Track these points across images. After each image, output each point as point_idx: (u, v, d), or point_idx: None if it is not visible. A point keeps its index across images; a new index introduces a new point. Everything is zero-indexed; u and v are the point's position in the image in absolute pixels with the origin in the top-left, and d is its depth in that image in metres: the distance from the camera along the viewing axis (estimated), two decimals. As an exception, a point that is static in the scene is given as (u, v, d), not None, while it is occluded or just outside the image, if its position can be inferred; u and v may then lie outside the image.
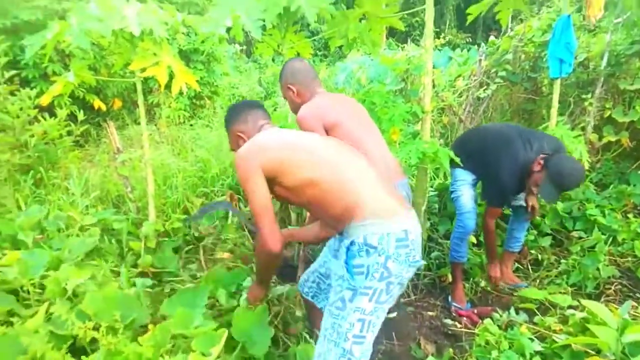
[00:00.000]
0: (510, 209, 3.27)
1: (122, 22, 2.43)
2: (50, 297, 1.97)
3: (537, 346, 2.18)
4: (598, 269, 3.10)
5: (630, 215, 3.69)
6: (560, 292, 2.94)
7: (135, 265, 2.74)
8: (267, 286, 2.15)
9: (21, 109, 3.94)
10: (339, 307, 1.64)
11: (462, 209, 3.00)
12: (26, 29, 5.02)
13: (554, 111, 3.64)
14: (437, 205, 3.82)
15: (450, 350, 2.56)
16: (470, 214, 2.99)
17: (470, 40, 16.79)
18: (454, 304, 3.02)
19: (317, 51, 14.56)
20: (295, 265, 2.98)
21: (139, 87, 2.89)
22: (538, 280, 3.30)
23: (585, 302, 2.18)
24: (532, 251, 3.55)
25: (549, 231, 3.67)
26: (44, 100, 2.81)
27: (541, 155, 2.71)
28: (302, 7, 2.38)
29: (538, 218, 3.61)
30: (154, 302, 2.29)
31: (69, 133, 4.43)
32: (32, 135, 3.95)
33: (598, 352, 1.96)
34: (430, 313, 3.00)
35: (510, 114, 5.28)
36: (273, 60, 11.24)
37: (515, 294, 3.07)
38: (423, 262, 1.75)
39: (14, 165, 3.79)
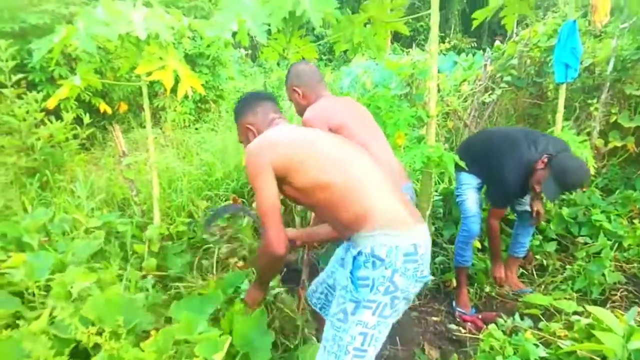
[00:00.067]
0: (515, 214, 3.26)
1: (129, 26, 2.44)
2: (55, 300, 1.97)
3: (542, 352, 2.16)
4: (604, 275, 3.08)
5: (636, 221, 3.67)
6: (565, 298, 2.93)
7: (139, 269, 2.74)
8: (267, 288, 2.08)
9: (28, 112, 3.97)
10: (340, 319, 1.59)
11: (467, 212, 3.00)
12: (34, 33, 5.05)
13: (560, 116, 3.62)
14: (441, 210, 3.82)
15: (455, 355, 2.55)
16: (475, 218, 2.98)
17: (476, 44, 16.77)
18: (459, 309, 3.01)
19: (322, 55, 14.59)
20: (299, 269, 2.98)
21: (145, 90, 2.91)
22: (543, 286, 3.28)
23: (590, 308, 2.17)
24: (537, 256, 3.54)
25: (554, 236, 3.65)
26: (51, 104, 2.83)
27: (545, 155, 2.71)
28: (308, 12, 2.38)
29: (543, 223, 3.59)
30: (156, 307, 2.29)
31: (75, 136, 4.45)
32: (39, 139, 3.98)
33: (603, 358, 1.95)
34: (434, 318, 2.99)
35: (515, 118, 5.27)
36: (278, 64, 11.27)
37: (520, 299, 3.05)
38: (431, 278, 1.70)
39: (21, 168, 3.82)
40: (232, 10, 2.41)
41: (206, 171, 4.41)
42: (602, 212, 3.68)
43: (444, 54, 8.96)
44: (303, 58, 3.07)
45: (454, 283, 3.15)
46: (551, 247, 3.56)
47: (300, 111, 2.41)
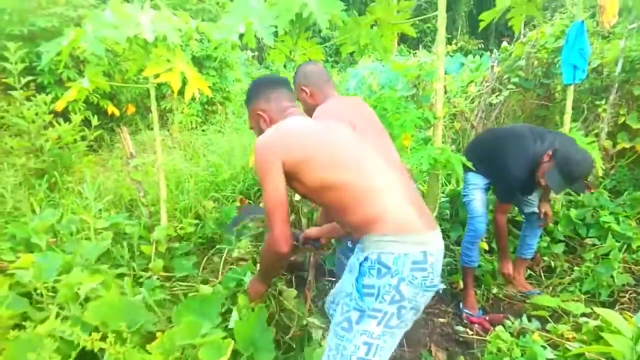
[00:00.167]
0: (523, 216, 3.25)
1: (137, 29, 2.46)
2: (63, 301, 1.98)
3: (550, 354, 2.15)
4: (612, 277, 3.06)
5: (644, 223, 3.65)
6: (573, 300, 2.91)
7: (146, 270, 2.76)
8: (269, 283, 2.03)
9: (37, 114, 4.01)
10: (344, 327, 1.52)
11: (474, 213, 3.00)
12: (43, 35, 5.10)
13: (568, 117, 3.61)
14: (448, 212, 3.81)
15: (462, 357, 2.54)
16: (482, 218, 2.98)
17: (483, 46, 16.77)
18: (466, 310, 3.00)
19: (329, 57, 14.62)
20: (306, 270, 2.98)
21: (152, 92, 2.92)
22: (551, 288, 3.26)
23: (599, 310, 2.15)
24: (545, 258, 3.52)
25: (562, 238, 3.63)
26: (59, 106, 2.85)
27: (551, 148, 2.71)
28: (314, 14, 2.39)
29: (551, 225, 3.58)
30: (161, 307, 2.30)
31: (83, 138, 4.49)
32: (47, 140, 4.01)
33: (612, 361, 1.94)
34: (441, 320, 2.98)
35: (522, 120, 5.26)
36: (285, 66, 11.29)
37: (528, 301, 3.04)
38: (442, 286, 1.61)
39: (29, 169, 3.85)
40: (239, 12, 2.43)
41: (213, 172, 4.43)
42: (611, 213, 3.65)
43: (451, 56, 8.95)
44: (310, 60, 3.08)
45: (461, 285, 3.14)
46: (559, 248, 3.55)
47: (308, 110, 2.41)
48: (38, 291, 2.06)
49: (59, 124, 4.17)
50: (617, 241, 3.32)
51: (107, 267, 2.49)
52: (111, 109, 3.86)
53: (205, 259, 3.09)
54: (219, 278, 2.76)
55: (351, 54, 3.19)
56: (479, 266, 3.20)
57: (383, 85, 6.36)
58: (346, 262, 2.56)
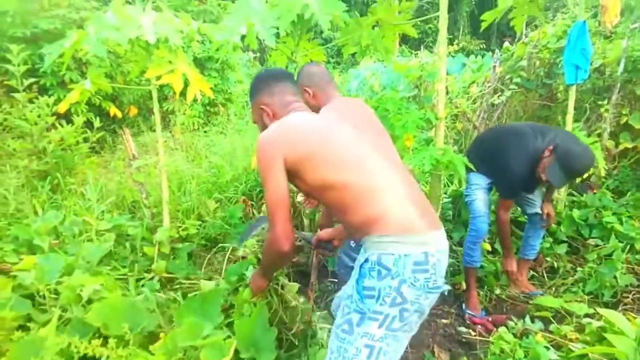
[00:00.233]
0: (526, 217, 3.25)
1: (139, 30, 2.46)
2: (65, 303, 1.99)
3: (553, 355, 2.15)
4: (615, 277, 3.05)
5: (647, 223, 3.63)
6: (576, 301, 2.90)
7: (148, 271, 2.76)
8: (271, 278, 2.01)
9: (39, 116, 4.02)
10: (345, 330, 1.49)
11: (476, 213, 3.00)
12: (45, 38, 5.11)
13: (570, 117, 3.60)
14: (451, 212, 3.81)
15: (464, 358, 2.54)
16: (484, 218, 2.98)
17: (484, 46, 16.75)
18: (468, 311, 2.99)
19: (330, 58, 14.62)
20: (308, 272, 2.98)
21: (155, 94, 2.93)
22: (554, 288, 3.26)
23: (602, 310, 2.14)
24: (548, 259, 3.51)
25: (565, 239, 3.62)
26: (62, 108, 2.86)
27: (552, 143, 2.71)
28: (316, 15, 2.39)
29: (554, 225, 3.57)
30: (163, 307, 2.30)
31: (86, 140, 4.50)
32: (50, 142, 4.02)
33: (615, 362, 1.93)
34: (444, 321, 2.97)
35: (524, 120, 5.24)
36: (286, 67, 11.27)
37: (531, 301, 3.03)
38: (447, 287, 1.58)
39: (32, 171, 3.86)
40: (241, 14, 2.43)
41: (215, 174, 4.43)
42: (614, 214, 3.64)
43: (453, 56, 8.96)
44: (311, 61, 3.08)
45: (464, 285, 3.14)
46: (562, 249, 3.54)
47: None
48: (41, 293, 2.06)
49: (62, 126, 4.18)
50: (620, 242, 3.32)
51: (110, 269, 2.50)
52: (113, 110, 3.86)
53: (208, 257, 3.10)
54: (222, 276, 2.76)
55: (353, 54, 3.20)
56: (482, 267, 3.19)
57: (385, 86, 6.36)
58: (348, 261, 2.56)
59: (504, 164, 2.82)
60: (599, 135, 4.36)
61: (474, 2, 19.05)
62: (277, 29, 2.42)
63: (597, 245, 3.49)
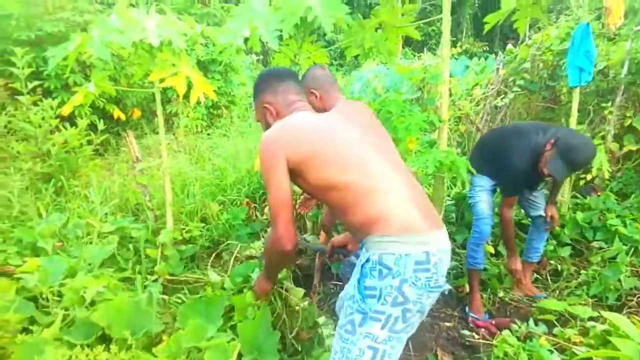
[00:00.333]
0: (530, 219, 3.24)
1: (142, 33, 2.47)
2: (68, 305, 1.99)
3: (557, 358, 2.14)
4: (619, 280, 3.04)
5: (652, 226, 3.62)
6: (580, 304, 2.89)
7: (151, 273, 2.76)
8: (275, 280, 2.01)
9: (43, 118, 4.04)
10: (348, 330, 1.49)
11: (479, 214, 2.99)
12: (49, 40, 5.14)
13: (573, 120, 3.60)
14: (454, 215, 3.80)
15: (468, 361, 2.53)
16: (487, 220, 2.97)
17: (488, 48, 16.75)
18: (472, 314, 2.98)
19: (333, 60, 14.65)
20: (311, 274, 2.97)
21: (158, 97, 2.94)
22: (557, 291, 3.24)
23: (606, 313, 2.13)
24: (552, 262, 3.50)
25: (569, 241, 3.61)
26: (65, 110, 2.87)
27: (553, 137, 2.71)
28: (319, 18, 2.40)
29: (557, 228, 3.56)
30: (166, 309, 2.31)
31: (89, 142, 4.51)
32: (54, 145, 4.04)
33: (620, 365, 1.92)
34: (447, 324, 2.96)
35: (528, 122, 5.24)
36: (289, 69, 11.29)
37: (534, 304, 3.02)
38: (449, 287, 1.57)
39: (36, 173, 3.88)
40: (244, 16, 2.44)
41: (218, 176, 4.44)
42: (617, 216, 3.63)
43: (456, 58, 8.96)
44: (314, 63, 3.09)
45: (467, 288, 3.13)
46: (565, 252, 3.53)
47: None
48: (44, 295, 2.07)
49: (65, 129, 4.20)
50: (624, 244, 3.31)
51: (113, 271, 2.50)
52: (117, 113, 3.87)
53: (212, 256, 3.11)
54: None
55: (356, 57, 3.20)
56: (485, 270, 3.18)
57: (388, 88, 6.38)
58: (353, 258, 2.56)
59: (506, 162, 2.82)
60: (603, 137, 4.35)
61: (477, 5, 19.06)
62: (281, 31, 2.42)
63: (601, 248, 3.48)
